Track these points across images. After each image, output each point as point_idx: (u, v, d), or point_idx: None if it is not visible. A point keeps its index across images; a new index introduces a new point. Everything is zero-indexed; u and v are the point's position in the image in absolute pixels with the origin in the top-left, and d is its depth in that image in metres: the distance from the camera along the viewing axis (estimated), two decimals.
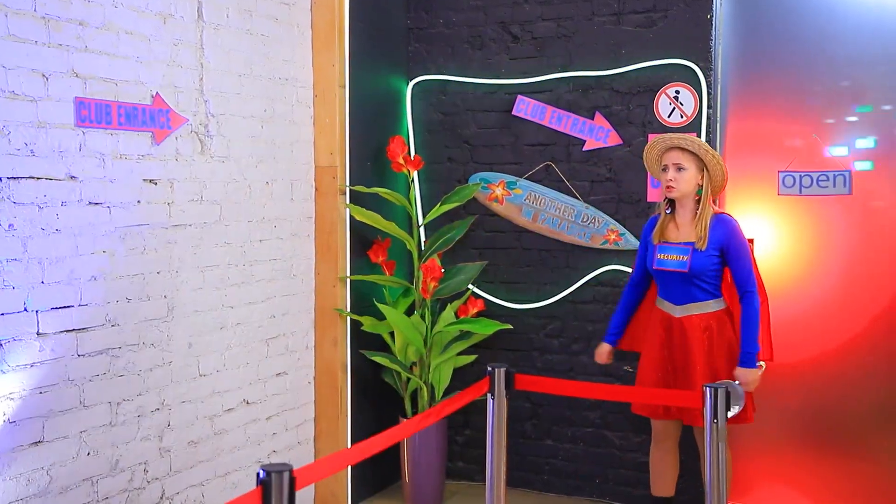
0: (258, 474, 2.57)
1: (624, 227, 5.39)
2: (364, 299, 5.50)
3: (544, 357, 5.68)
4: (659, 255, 4.60)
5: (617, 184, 5.43)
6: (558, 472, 5.68)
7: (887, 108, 4.98)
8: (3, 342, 3.49)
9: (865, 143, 5.02)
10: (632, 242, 5.32)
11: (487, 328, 5.30)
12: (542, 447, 5.71)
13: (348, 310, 5.36)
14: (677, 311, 4.58)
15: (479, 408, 5.30)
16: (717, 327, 4.54)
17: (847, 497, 5.11)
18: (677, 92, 5.24)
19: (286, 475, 2.58)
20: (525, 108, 5.61)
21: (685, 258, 4.52)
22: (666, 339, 4.63)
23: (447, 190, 5.75)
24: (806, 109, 5.13)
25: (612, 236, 5.41)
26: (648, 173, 5.23)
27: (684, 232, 4.60)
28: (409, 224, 5.70)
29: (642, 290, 4.84)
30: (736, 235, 4.50)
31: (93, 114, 3.83)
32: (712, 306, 4.55)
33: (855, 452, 5.10)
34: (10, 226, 3.51)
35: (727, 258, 4.50)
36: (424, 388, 5.36)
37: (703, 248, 4.49)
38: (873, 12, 4.97)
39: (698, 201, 4.58)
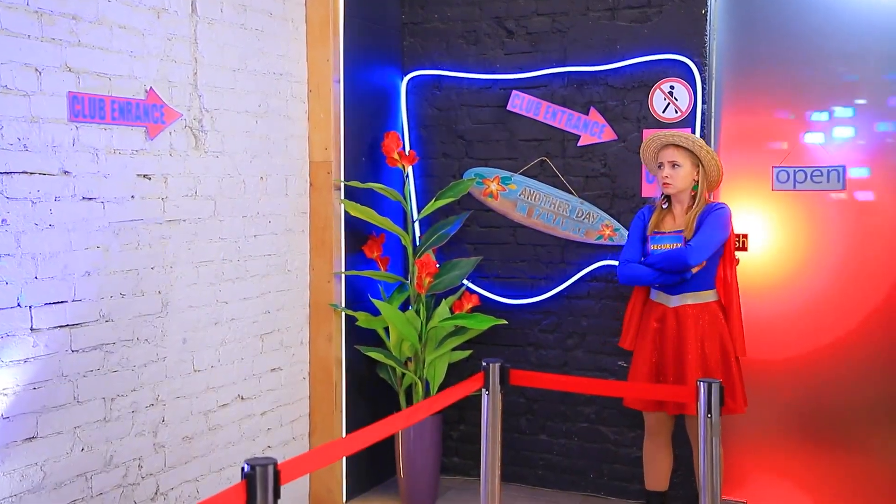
0: (242, 468, 2.58)
1: (619, 222, 5.39)
2: (359, 295, 5.49)
3: (539, 352, 5.68)
4: (653, 246, 4.68)
5: (611, 179, 5.43)
6: (553, 467, 5.68)
7: (881, 103, 4.98)
8: None
9: (859, 137, 5.02)
10: (625, 237, 5.31)
11: (482, 323, 5.29)
12: (537, 442, 5.71)
13: (343, 305, 5.35)
14: (672, 301, 4.63)
15: (473, 403, 5.31)
16: (710, 319, 4.59)
17: (840, 490, 5.13)
18: (672, 87, 5.24)
19: (270, 469, 2.59)
20: (520, 103, 5.61)
21: (678, 245, 4.58)
22: (659, 330, 4.68)
23: (442, 185, 5.75)
24: (800, 105, 5.13)
25: (607, 232, 5.41)
26: (643, 168, 5.25)
27: (679, 223, 4.68)
28: (403, 219, 5.70)
29: None
30: (713, 213, 4.56)
31: (86, 108, 3.82)
32: (706, 297, 4.61)
33: (848, 446, 5.12)
34: (2, 221, 3.50)
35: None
36: (419, 384, 5.36)
37: (692, 238, 4.54)
38: (867, 8, 4.98)
39: (694, 196, 4.63)
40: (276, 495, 2.60)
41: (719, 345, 4.57)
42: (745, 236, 5.17)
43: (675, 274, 4.55)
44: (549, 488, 5.69)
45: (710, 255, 4.50)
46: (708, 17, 5.18)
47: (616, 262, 5.37)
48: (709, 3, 5.18)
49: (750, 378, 4.87)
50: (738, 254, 4.86)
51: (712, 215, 4.55)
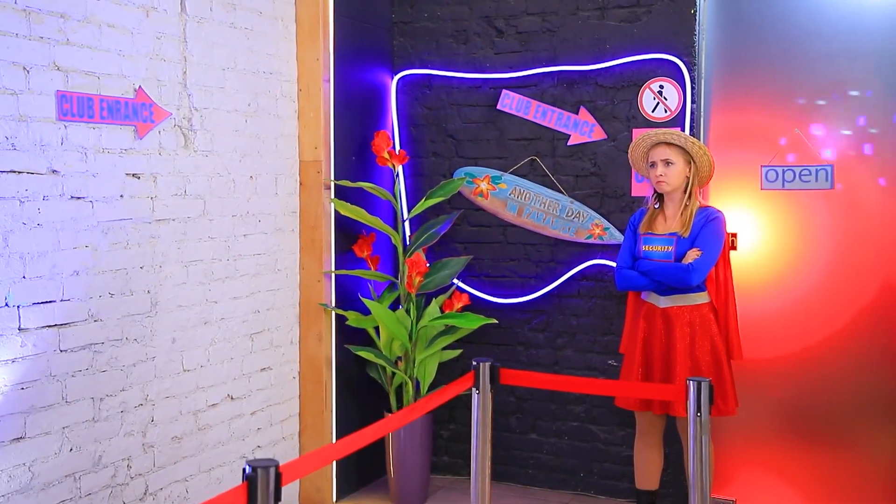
0: (244, 470, 2.55)
1: (608, 221, 5.39)
2: (349, 294, 5.49)
3: (529, 351, 5.68)
4: (644, 247, 4.68)
5: (601, 178, 5.44)
6: (543, 466, 5.68)
7: (869, 102, 4.99)
8: None
9: (848, 136, 5.03)
10: (616, 237, 5.32)
11: (472, 323, 5.28)
12: (527, 441, 5.71)
13: (333, 304, 5.35)
14: (662, 301, 4.63)
15: (464, 402, 5.32)
16: (701, 321, 4.58)
17: (829, 488, 5.14)
18: (661, 87, 5.24)
19: (272, 470, 2.56)
20: (510, 102, 5.61)
21: (670, 248, 4.58)
22: (648, 329, 4.68)
23: (432, 184, 5.75)
24: (789, 104, 5.14)
25: (597, 231, 5.41)
26: (632, 168, 5.25)
27: (671, 224, 4.67)
28: (393, 218, 5.70)
29: None
30: (711, 223, 4.55)
31: (75, 107, 3.81)
32: (697, 299, 4.59)
33: (837, 444, 5.13)
34: None
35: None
36: (409, 383, 5.36)
37: (686, 236, 4.55)
38: (853, 7, 4.99)
39: (687, 194, 4.64)
40: (277, 497, 2.58)
41: (710, 346, 4.56)
42: (734, 235, 5.17)
43: (672, 281, 4.55)
44: (540, 487, 5.69)
45: (710, 269, 4.52)
46: (697, 17, 5.19)
47: (606, 262, 5.40)
48: (698, 3, 5.19)
49: (739, 377, 4.87)
50: (731, 254, 4.86)
51: (709, 227, 4.53)
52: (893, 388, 5.01)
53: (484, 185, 5.67)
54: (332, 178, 5.33)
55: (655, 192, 4.73)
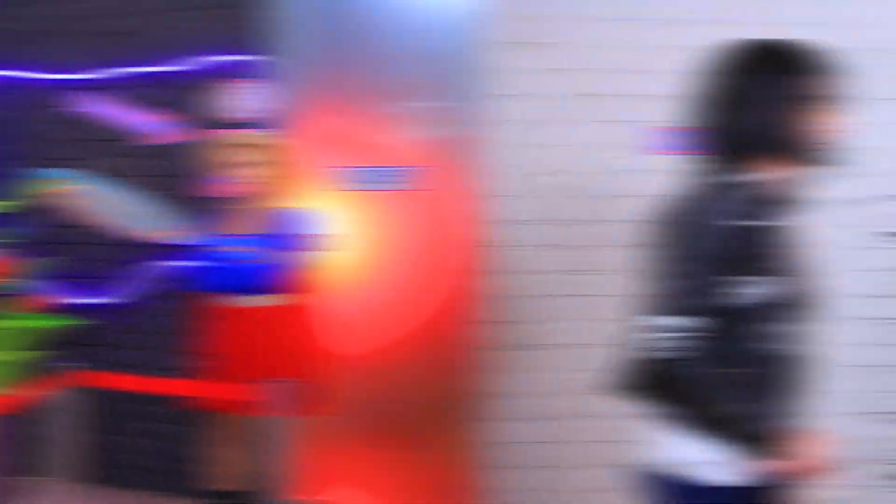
0: None
1: (189, 221, 5.36)
2: None
3: (118, 353, 5.66)
4: (224, 248, 4.68)
5: (182, 179, 5.47)
6: (131, 467, 5.71)
7: (450, 104, 5.15)
8: None
9: (430, 137, 5.18)
10: (197, 238, 5.27)
11: (55, 323, 5.23)
12: (116, 442, 5.72)
13: None
14: (243, 301, 4.66)
15: (50, 404, 5.24)
16: (282, 322, 4.66)
17: (403, 487, 5.29)
18: (246, 87, 5.35)
19: None
20: (92, 103, 5.58)
21: (250, 249, 4.62)
22: (229, 330, 4.71)
23: (13, 186, 5.62)
24: (375, 106, 5.21)
25: (179, 231, 5.39)
26: (212, 169, 5.35)
27: (251, 224, 4.72)
28: None
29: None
30: (291, 223, 4.66)
31: None
32: (279, 300, 4.68)
33: (411, 444, 5.27)
34: None
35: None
36: None
37: (266, 236, 4.63)
38: (439, 10, 5.14)
39: (268, 195, 4.75)
40: None
41: (292, 347, 4.65)
42: (317, 235, 5.13)
43: (253, 282, 4.63)
44: (127, 488, 5.69)
45: (292, 269, 4.61)
46: (285, 17, 5.20)
47: (187, 263, 5.40)
48: (287, 4, 5.20)
49: (328, 377, 4.90)
50: (312, 254, 4.93)
51: (290, 227, 4.64)
52: (468, 387, 5.21)
53: (66, 187, 5.58)
54: None
55: (236, 192, 4.76)
